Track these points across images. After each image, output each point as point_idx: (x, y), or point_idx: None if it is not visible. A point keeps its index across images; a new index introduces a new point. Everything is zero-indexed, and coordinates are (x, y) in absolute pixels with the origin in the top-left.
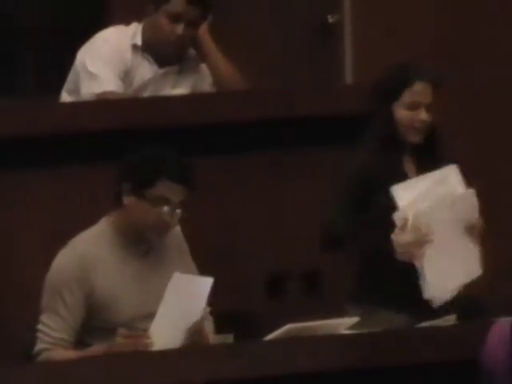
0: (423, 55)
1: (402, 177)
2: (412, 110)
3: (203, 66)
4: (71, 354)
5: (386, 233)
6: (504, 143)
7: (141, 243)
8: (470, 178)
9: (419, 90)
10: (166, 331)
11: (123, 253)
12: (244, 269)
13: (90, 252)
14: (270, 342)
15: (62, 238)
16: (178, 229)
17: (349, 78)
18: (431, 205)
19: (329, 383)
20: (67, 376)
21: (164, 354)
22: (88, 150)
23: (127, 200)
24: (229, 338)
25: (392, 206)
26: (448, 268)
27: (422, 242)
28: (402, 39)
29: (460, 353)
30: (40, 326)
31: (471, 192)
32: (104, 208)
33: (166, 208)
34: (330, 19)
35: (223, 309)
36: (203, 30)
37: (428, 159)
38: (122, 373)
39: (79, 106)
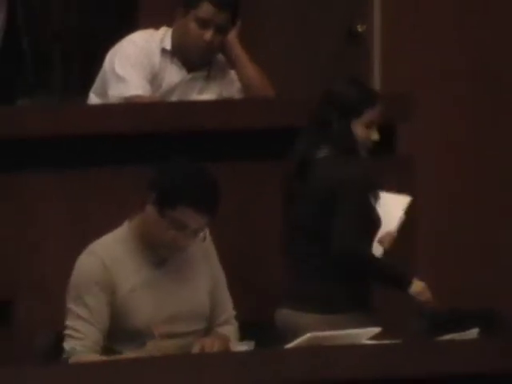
0: (452, 65)
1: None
2: (368, 128)
3: (231, 72)
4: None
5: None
6: None
7: (159, 250)
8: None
9: (379, 112)
10: None
11: (140, 257)
12: (265, 278)
13: (109, 255)
14: (292, 349)
15: (84, 239)
16: (205, 231)
17: (377, 87)
18: None
19: None
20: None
21: (183, 361)
22: (114, 153)
23: (149, 209)
24: (250, 345)
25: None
26: None
27: None
28: (430, 49)
29: (482, 367)
30: (67, 331)
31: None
32: (128, 212)
33: (181, 232)
34: (359, 28)
35: (245, 317)
36: (232, 36)
37: None
38: (143, 378)
39: (107, 109)
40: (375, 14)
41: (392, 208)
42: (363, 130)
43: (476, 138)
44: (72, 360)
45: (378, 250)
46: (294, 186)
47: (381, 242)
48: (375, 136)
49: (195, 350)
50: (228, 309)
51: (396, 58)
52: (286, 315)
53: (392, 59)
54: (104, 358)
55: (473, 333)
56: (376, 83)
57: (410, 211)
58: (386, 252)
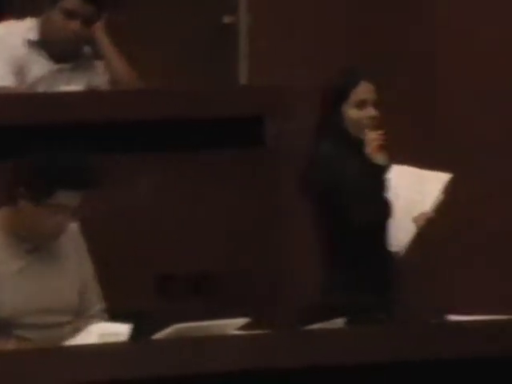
0: (320, 57)
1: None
2: (360, 108)
3: (99, 64)
4: None
5: None
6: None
7: (29, 241)
8: None
9: (367, 89)
10: None
11: (9, 249)
12: (134, 268)
13: None
14: (160, 341)
15: None
16: (74, 224)
17: (244, 79)
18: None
19: None
20: None
21: (53, 353)
22: None
23: (22, 204)
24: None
25: None
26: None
27: None
28: (299, 42)
29: (349, 357)
30: None
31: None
32: None
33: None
34: (226, 20)
35: (113, 307)
36: (98, 28)
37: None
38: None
39: None
40: (242, 6)
41: (429, 186)
42: (355, 112)
43: None
44: None
45: (411, 229)
46: (306, 186)
47: (415, 221)
48: (371, 112)
49: None
50: (97, 302)
51: (263, 50)
52: None
53: (259, 52)
54: None
55: (338, 322)
56: (243, 75)
57: (447, 192)
58: (419, 232)
